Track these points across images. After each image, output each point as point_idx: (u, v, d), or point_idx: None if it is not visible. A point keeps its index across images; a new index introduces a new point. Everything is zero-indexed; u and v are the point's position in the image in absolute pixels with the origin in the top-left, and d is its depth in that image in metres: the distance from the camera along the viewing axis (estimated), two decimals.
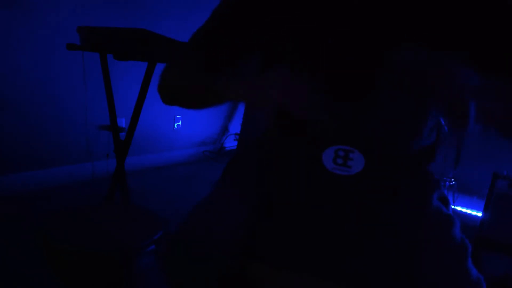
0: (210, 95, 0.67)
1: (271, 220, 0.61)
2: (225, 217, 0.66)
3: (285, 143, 0.66)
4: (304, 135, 0.63)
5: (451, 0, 0.56)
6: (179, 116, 3.27)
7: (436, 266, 0.57)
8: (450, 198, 2.78)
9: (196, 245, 0.65)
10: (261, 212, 0.62)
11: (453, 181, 2.74)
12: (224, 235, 0.63)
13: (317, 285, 0.57)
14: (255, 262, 0.60)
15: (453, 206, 2.74)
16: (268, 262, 0.60)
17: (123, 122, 2.67)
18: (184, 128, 3.35)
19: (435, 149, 0.63)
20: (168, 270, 0.68)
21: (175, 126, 3.27)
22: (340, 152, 0.58)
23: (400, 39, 0.58)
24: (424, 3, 0.57)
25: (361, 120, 0.59)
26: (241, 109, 3.67)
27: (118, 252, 1.02)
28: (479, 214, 2.54)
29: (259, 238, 0.60)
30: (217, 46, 0.70)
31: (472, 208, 2.83)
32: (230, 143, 3.88)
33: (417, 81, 0.56)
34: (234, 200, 0.68)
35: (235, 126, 3.85)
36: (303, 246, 0.58)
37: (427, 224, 0.60)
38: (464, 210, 2.84)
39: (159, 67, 1.58)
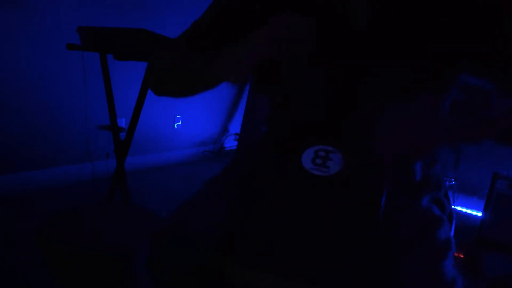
0: (196, 73, 0.66)
1: (249, 220, 0.61)
2: (206, 215, 0.66)
3: (272, 143, 0.67)
4: (287, 135, 0.63)
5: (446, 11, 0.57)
6: (179, 116, 3.27)
7: (412, 266, 0.57)
8: (451, 198, 2.77)
9: (177, 240, 0.65)
10: (243, 212, 0.62)
11: (453, 181, 2.74)
12: (204, 232, 0.63)
13: (292, 286, 0.57)
14: (233, 261, 0.61)
15: (453, 206, 2.74)
16: (244, 262, 0.60)
17: (123, 122, 2.67)
18: (184, 128, 3.35)
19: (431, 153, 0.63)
20: (149, 264, 0.69)
21: (175, 126, 3.27)
22: (320, 152, 0.58)
23: (395, 48, 0.58)
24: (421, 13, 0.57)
25: (345, 121, 0.59)
26: (241, 109, 3.67)
27: (118, 252, 1.02)
28: (479, 214, 2.54)
29: (237, 238, 0.61)
30: (204, 31, 0.71)
31: (472, 208, 2.83)
32: (230, 143, 3.88)
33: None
34: (217, 198, 0.68)
35: (235, 126, 3.85)
36: (279, 247, 0.58)
37: (410, 226, 0.60)
38: (464, 210, 2.84)
39: None
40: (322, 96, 0.60)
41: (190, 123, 3.39)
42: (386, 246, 0.56)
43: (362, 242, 0.56)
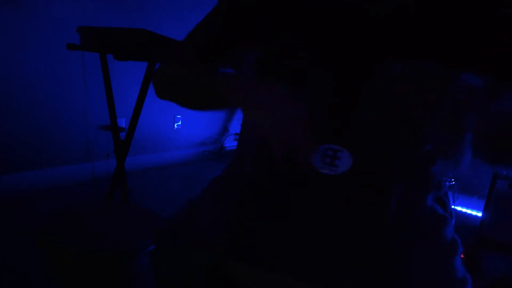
0: (205, 92, 0.67)
1: (254, 220, 0.61)
2: (211, 215, 0.66)
3: (275, 142, 0.67)
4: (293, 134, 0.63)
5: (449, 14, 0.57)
6: (179, 116, 3.27)
7: (422, 265, 0.57)
8: (451, 198, 2.78)
9: (181, 239, 0.66)
10: (246, 212, 0.62)
11: (453, 181, 2.74)
12: (209, 232, 0.63)
13: (299, 286, 0.57)
14: (238, 261, 0.61)
15: (453, 206, 2.74)
16: (249, 262, 0.60)
17: (123, 122, 2.67)
18: (184, 128, 3.35)
19: (435, 152, 0.63)
20: (154, 264, 0.69)
21: (175, 126, 3.27)
22: (329, 151, 0.58)
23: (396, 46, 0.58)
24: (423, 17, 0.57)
25: (353, 119, 0.59)
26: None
27: (118, 252, 1.02)
28: (479, 214, 2.54)
29: (242, 238, 0.61)
30: (216, 37, 0.71)
31: (472, 208, 2.84)
32: (230, 143, 3.88)
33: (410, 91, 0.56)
34: (222, 199, 0.68)
35: (235, 126, 3.85)
36: (286, 247, 0.58)
37: (418, 224, 0.60)
38: (464, 210, 2.84)
39: None
40: (329, 94, 0.60)
41: (190, 123, 3.39)
42: (396, 245, 0.56)
43: (372, 241, 0.56)
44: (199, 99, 0.72)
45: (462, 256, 0.63)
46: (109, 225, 1.14)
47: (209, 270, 0.61)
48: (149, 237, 1.06)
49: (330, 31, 0.61)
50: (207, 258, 0.61)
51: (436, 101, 0.60)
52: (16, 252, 1.59)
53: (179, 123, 3.29)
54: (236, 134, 3.86)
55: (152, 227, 1.14)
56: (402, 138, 0.58)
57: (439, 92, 0.59)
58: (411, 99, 0.58)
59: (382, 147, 0.57)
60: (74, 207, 1.24)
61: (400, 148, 0.57)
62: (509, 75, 0.57)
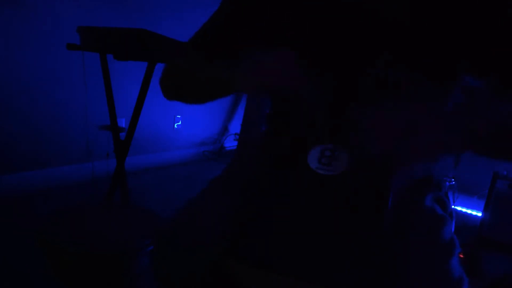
0: (211, 82, 0.67)
1: (254, 220, 0.61)
2: (211, 215, 0.66)
3: (275, 142, 0.67)
4: (292, 134, 0.64)
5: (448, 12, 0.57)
6: (179, 116, 3.27)
7: (419, 265, 0.57)
8: (451, 198, 2.78)
9: (181, 239, 0.66)
10: (246, 212, 0.62)
11: (453, 181, 2.74)
12: (208, 232, 0.64)
13: (299, 286, 0.57)
14: (238, 261, 0.61)
15: (453, 206, 2.74)
16: (249, 262, 0.60)
17: (123, 122, 2.67)
18: (184, 128, 3.35)
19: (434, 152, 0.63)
20: (154, 264, 0.69)
21: (175, 126, 3.27)
22: (326, 152, 0.58)
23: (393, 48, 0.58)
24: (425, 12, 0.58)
25: (350, 120, 0.59)
26: (241, 109, 3.66)
27: (118, 252, 1.02)
28: (479, 214, 2.54)
29: (242, 238, 0.61)
30: (218, 37, 0.72)
31: (472, 208, 2.84)
32: (230, 143, 3.88)
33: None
34: (222, 199, 0.69)
35: (235, 126, 3.85)
36: (286, 247, 0.58)
37: (416, 225, 0.60)
38: (464, 210, 2.84)
39: (159, 67, 1.58)
40: (327, 94, 0.60)
41: (190, 123, 3.39)
42: (394, 245, 0.56)
43: (370, 242, 0.56)
44: (206, 94, 0.72)
45: (461, 256, 0.63)
46: (109, 225, 1.14)
47: (209, 270, 0.61)
48: (149, 237, 1.06)
49: (330, 31, 0.62)
50: (207, 258, 0.61)
51: (436, 102, 0.60)
52: (16, 252, 1.59)
53: (179, 123, 3.29)
54: (236, 134, 3.86)
55: (152, 227, 1.14)
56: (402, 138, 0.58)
57: (439, 93, 0.60)
58: (410, 99, 0.58)
59: (381, 148, 0.57)
60: (74, 207, 1.24)
61: (395, 149, 0.57)
62: (509, 75, 0.57)
